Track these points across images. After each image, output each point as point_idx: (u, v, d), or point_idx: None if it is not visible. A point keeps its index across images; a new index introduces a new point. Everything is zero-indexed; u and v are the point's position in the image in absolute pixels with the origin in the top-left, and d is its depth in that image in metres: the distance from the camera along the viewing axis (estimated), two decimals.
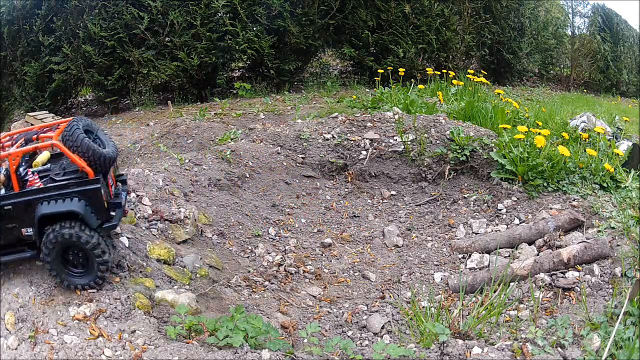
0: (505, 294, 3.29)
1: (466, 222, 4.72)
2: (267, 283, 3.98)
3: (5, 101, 10.83)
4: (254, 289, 3.86)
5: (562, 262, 3.52)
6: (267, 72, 10.89)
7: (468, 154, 5.29)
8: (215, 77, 10.90)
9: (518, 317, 3.21)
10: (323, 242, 4.66)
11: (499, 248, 4.08)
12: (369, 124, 6.00)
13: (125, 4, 9.79)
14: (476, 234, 4.53)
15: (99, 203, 2.74)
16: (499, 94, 7.36)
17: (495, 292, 3.34)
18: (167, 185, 4.48)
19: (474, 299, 3.47)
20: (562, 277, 3.44)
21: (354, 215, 5.15)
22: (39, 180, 2.82)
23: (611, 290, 3.14)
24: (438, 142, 5.55)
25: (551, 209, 4.29)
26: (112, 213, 2.90)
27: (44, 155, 2.96)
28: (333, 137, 5.85)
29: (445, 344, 2.61)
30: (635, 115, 9.85)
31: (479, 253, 4.14)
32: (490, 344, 2.68)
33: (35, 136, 2.83)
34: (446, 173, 5.34)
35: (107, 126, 8.91)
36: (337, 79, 11.78)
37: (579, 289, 3.29)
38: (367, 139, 5.76)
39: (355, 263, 4.43)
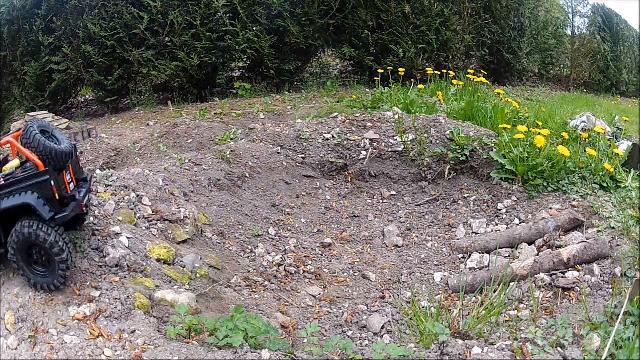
0: (505, 294, 3.28)
1: (466, 222, 4.72)
2: (267, 283, 3.98)
3: (5, 101, 10.84)
4: (254, 289, 3.86)
5: (562, 262, 3.52)
6: (267, 72, 10.90)
7: (468, 154, 5.29)
8: (215, 77, 10.91)
9: (518, 317, 3.21)
10: (323, 242, 4.66)
11: (499, 248, 4.07)
12: (369, 124, 6.00)
13: (125, 4, 9.79)
14: (476, 234, 4.53)
15: (50, 194, 2.81)
16: (499, 94, 7.36)
17: (495, 292, 3.34)
18: (167, 185, 4.48)
19: (474, 299, 3.47)
20: (562, 277, 3.44)
21: (354, 215, 5.15)
22: (4, 182, 2.91)
23: (611, 290, 3.14)
24: (438, 142, 5.55)
25: (551, 209, 4.29)
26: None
27: (14, 162, 3.14)
28: (333, 137, 5.85)
29: (445, 344, 2.61)
30: (635, 115, 9.85)
31: (479, 253, 4.14)
32: (490, 344, 2.68)
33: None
34: (446, 173, 5.34)
35: (107, 126, 8.91)
36: (337, 79, 11.79)
37: (579, 289, 3.28)
38: (367, 139, 5.76)
39: (355, 263, 4.43)
